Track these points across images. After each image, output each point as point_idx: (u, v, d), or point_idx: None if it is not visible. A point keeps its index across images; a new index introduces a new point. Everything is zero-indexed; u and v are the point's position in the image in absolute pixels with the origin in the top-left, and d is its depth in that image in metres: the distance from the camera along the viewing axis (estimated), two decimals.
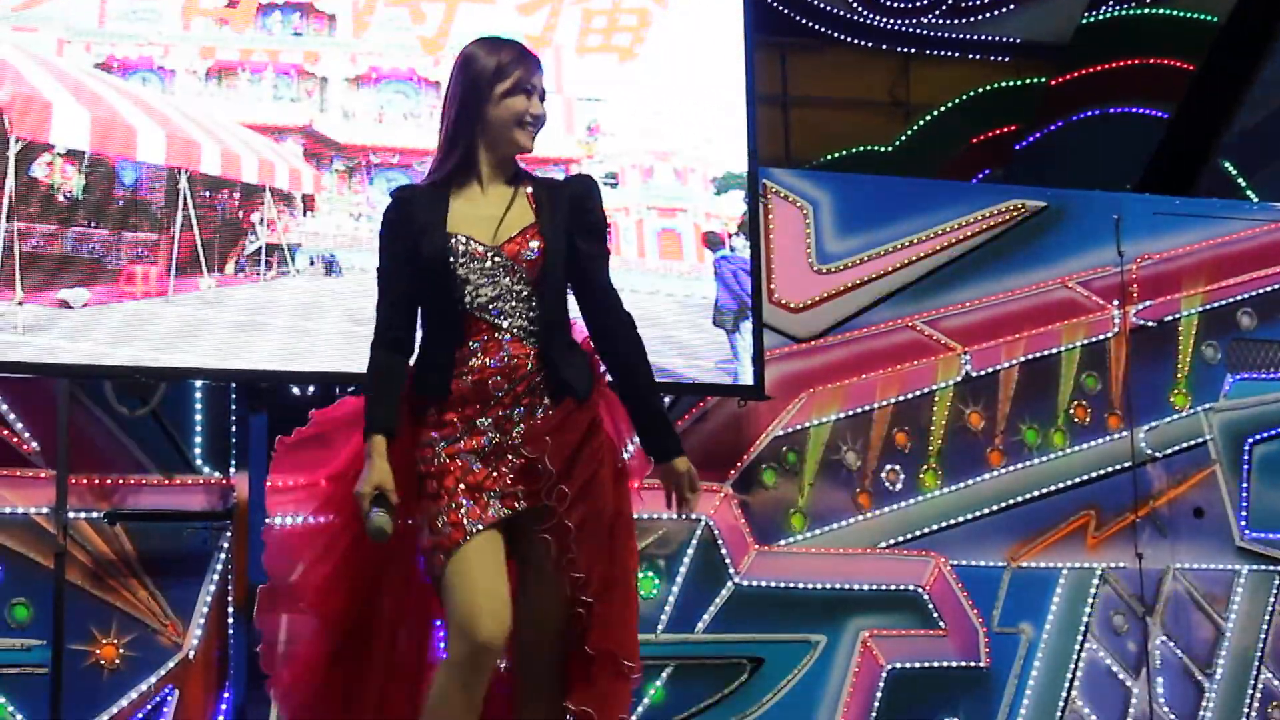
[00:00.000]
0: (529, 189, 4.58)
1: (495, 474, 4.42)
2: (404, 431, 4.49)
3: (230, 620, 7.13)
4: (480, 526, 4.38)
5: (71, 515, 6.96)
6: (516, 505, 4.43)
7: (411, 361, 4.56)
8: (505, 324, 4.44)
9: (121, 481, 7.13)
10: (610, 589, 4.50)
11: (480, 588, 4.33)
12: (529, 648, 4.49)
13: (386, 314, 4.55)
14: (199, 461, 7.26)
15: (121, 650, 7.04)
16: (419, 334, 4.60)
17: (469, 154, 4.53)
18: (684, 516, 4.73)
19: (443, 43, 7.29)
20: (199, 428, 7.27)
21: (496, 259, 4.46)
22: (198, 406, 7.28)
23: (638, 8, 7.70)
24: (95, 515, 7.04)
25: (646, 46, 7.71)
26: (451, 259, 4.44)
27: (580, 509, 4.42)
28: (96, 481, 7.08)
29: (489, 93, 4.49)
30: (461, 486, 4.40)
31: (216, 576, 7.17)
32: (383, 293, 4.58)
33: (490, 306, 4.45)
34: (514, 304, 4.45)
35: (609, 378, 4.63)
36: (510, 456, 4.43)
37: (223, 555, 7.18)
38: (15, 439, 7.03)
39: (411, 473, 4.48)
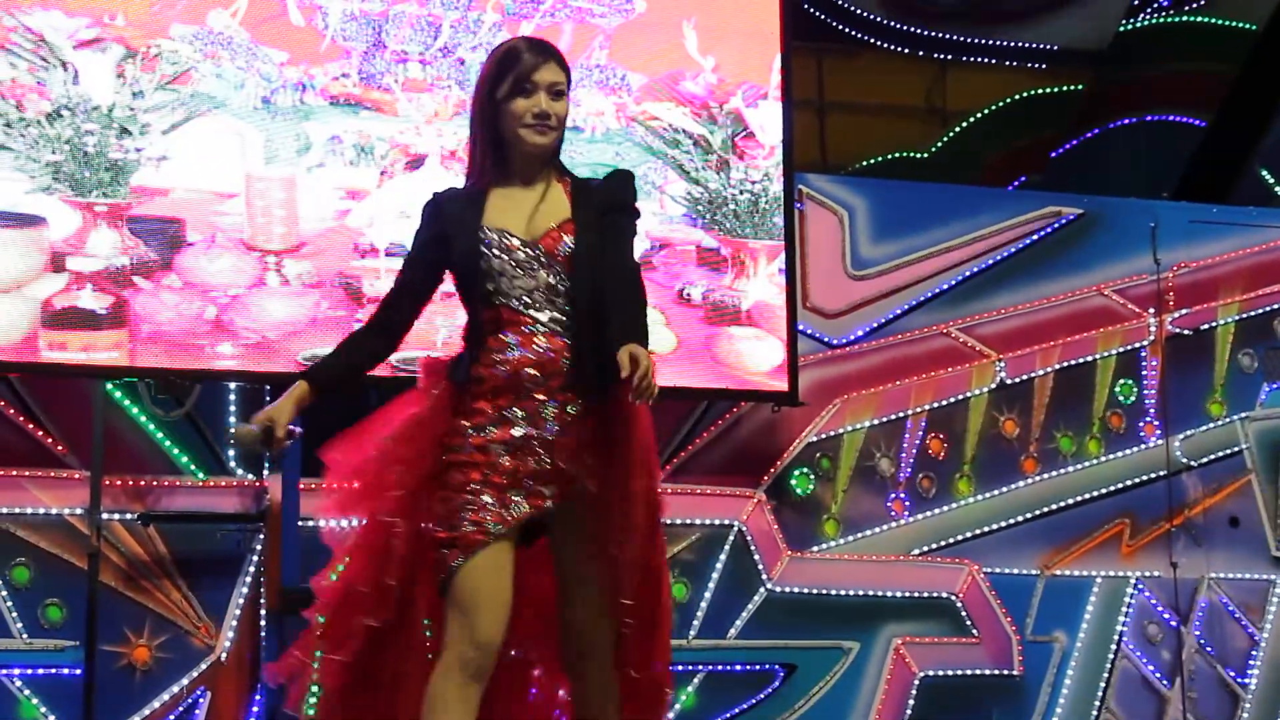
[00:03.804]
0: (567, 185, 4.58)
1: (522, 468, 4.40)
2: (439, 422, 4.49)
3: (263, 622, 7.14)
4: (501, 529, 4.37)
5: (105, 516, 6.98)
6: (544, 504, 4.41)
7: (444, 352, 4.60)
8: (541, 317, 4.44)
9: (155, 483, 7.16)
10: (646, 606, 4.50)
11: (486, 590, 4.32)
12: (584, 638, 4.48)
13: (387, 296, 4.62)
14: (233, 464, 7.28)
15: (154, 652, 7.06)
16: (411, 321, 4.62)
17: (496, 157, 4.54)
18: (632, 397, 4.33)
19: None
20: (233, 429, 7.28)
21: (532, 252, 4.45)
22: (232, 409, 7.30)
23: None
24: (129, 516, 7.06)
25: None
26: (485, 250, 4.44)
27: (626, 532, 4.42)
28: (130, 483, 7.10)
29: (491, 99, 4.51)
30: (487, 483, 4.39)
31: (249, 578, 7.18)
32: (396, 277, 4.63)
33: (525, 299, 4.44)
34: (550, 297, 4.45)
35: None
36: (541, 451, 4.41)
37: (255, 557, 7.20)
38: (50, 440, 7.06)
39: (438, 463, 4.47)
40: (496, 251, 4.45)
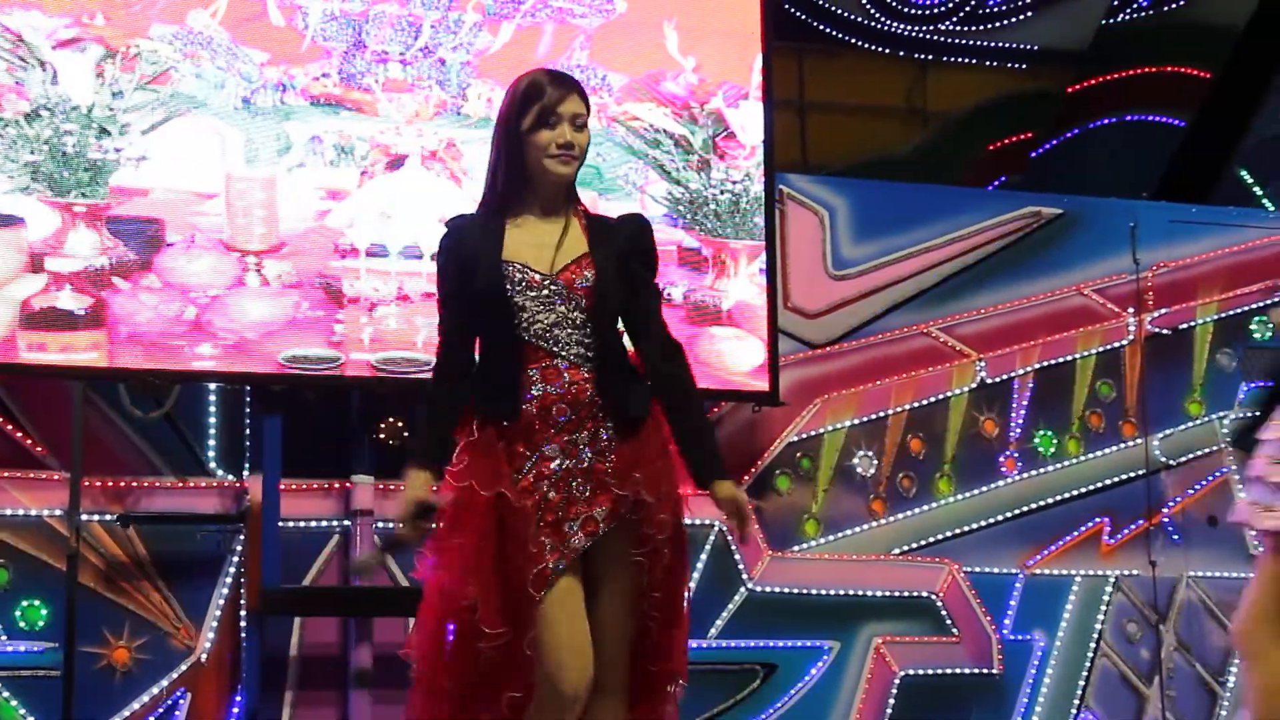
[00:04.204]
0: (583, 220, 4.64)
1: (569, 499, 4.47)
2: (492, 460, 4.49)
3: (243, 623, 7.13)
4: (564, 564, 4.43)
5: (84, 517, 6.97)
6: (599, 528, 4.48)
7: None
8: (563, 351, 4.50)
9: (135, 484, 7.15)
10: (671, 607, 4.60)
11: (564, 638, 4.40)
12: (601, 656, 4.52)
13: (444, 345, 4.65)
14: (213, 464, 7.27)
15: (134, 653, 7.05)
16: (476, 356, 4.67)
17: (516, 186, 4.58)
18: (743, 541, 4.87)
19: None
20: (213, 430, 7.28)
21: (553, 287, 4.52)
22: (212, 409, 7.29)
23: None
24: (108, 517, 7.06)
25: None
26: (508, 286, 4.50)
27: (671, 533, 4.55)
28: (110, 484, 7.09)
29: (516, 130, 4.56)
30: (541, 523, 4.44)
31: (229, 579, 7.18)
32: (441, 322, 4.67)
33: (547, 334, 4.50)
34: (570, 331, 4.51)
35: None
36: (581, 478, 4.48)
37: (236, 558, 7.19)
38: (29, 440, 7.05)
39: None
40: (517, 286, 4.51)
